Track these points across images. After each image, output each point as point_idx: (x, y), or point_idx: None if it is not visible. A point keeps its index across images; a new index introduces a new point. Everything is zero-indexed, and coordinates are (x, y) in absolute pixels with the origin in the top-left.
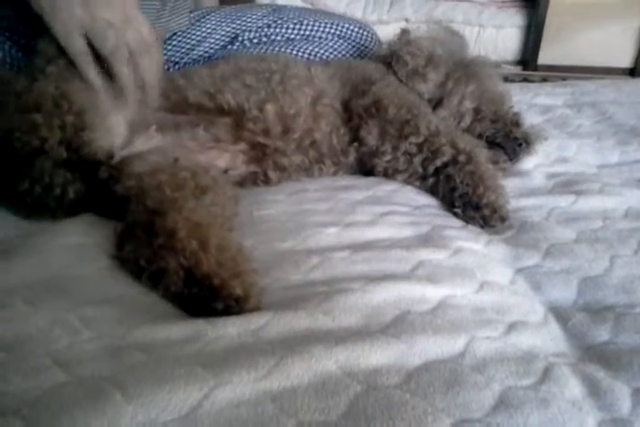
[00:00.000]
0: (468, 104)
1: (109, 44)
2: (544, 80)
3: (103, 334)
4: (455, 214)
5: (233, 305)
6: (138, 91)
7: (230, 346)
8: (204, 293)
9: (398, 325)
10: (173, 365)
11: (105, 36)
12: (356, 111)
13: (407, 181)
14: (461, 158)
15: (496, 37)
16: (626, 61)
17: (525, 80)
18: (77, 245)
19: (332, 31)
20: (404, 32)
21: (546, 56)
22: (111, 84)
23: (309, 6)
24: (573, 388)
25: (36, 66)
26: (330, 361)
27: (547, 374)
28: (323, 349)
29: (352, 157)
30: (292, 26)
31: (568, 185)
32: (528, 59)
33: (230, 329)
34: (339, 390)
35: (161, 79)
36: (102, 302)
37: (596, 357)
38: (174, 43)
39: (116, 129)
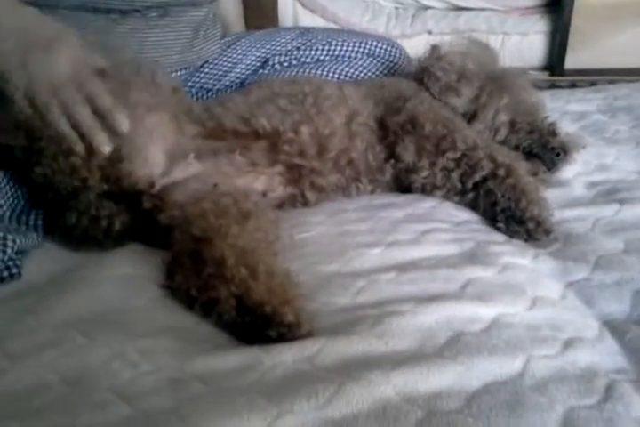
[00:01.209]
0: (504, 117)
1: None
2: (572, 85)
3: (161, 366)
4: (498, 229)
5: (286, 332)
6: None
7: (287, 374)
8: (257, 321)
9: (453, 346)
10: (234, 395)
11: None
12: (392, 128)
13: (446, 197)
14: (501, 172)
15: (521, 44)
16: None
17: (553, 86)
18: (127, 276)
19: (361, 50)
20: (435, 48)
21: (572, 60)
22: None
23: (332, 24)
24: (638, 406)
25: None
26: (388, 386)
27: (609, 392)
28: (380, 374)
29: (389, 175)
30: (320, 47)
31: (610, 193)
32: (554, 64)
33: (285, 356)
34: (400, 417)
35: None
36: (157, 334)
37: None
38: (206, 70)
39: (154, 159)
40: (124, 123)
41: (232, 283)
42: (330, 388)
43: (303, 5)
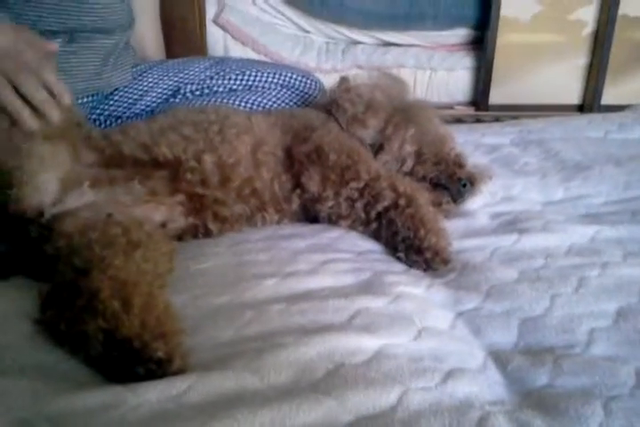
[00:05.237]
0: (409, 147)
1: None
2: (496, 120)
3: (13, 407)
4: (398, 259)
5: (155, 369)
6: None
7: (150, 414)
8: (125, 356)
9: (329, 380)
10: None
11: None
12: (298, 158)
13: (351, 227)
14: (402, 202)
15: (447, 80)
16: (574, 98)
17: (478, 120)
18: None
19: (275, 81)
20: (344, 80)
21: (496, 96)
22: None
23: (263, 57)
24: None
25: None
26: (254, 425)
27: (481, 424)
28: (247, 412)
29: (295, 205)
30: (234, 77)
31: (512, 224)
32: (479, 99)
33: (150, 395)
34: None
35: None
36: (16, 373)
37: (534, 402)
38: (116, 97)
39: (46, 186)
40: (67, 95)
41: (102, 316)
42: None
43: (234, 37)
